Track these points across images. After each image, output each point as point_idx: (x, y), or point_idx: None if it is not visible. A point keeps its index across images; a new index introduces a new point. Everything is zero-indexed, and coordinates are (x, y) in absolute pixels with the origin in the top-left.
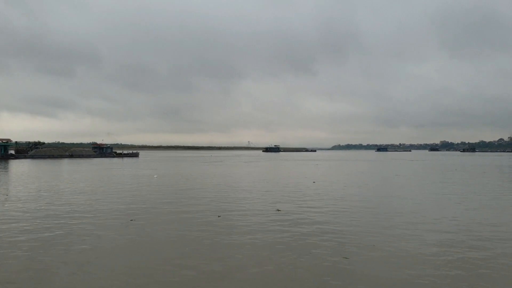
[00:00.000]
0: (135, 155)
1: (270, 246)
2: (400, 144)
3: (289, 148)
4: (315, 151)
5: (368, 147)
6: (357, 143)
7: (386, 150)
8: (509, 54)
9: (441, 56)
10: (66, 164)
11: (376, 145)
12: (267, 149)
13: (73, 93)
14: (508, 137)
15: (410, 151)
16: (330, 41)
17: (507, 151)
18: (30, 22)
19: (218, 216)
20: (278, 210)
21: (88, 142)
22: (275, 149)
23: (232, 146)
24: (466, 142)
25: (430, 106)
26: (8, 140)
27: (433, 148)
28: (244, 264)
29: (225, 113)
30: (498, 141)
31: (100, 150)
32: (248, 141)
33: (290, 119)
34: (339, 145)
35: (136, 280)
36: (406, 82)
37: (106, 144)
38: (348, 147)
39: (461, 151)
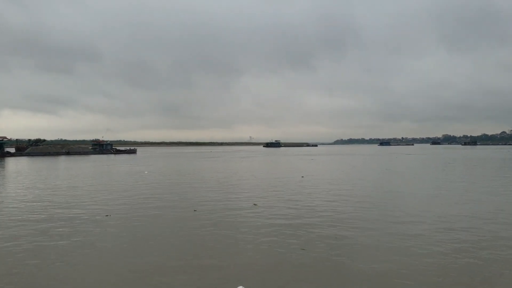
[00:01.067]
0: (133, 151)
1: (235, 238)
2: (402, 138)
3: (290, 143)
4: (316, 146)
5: (371, 141)
6: (360, 137)
7: (389, 144)
8: (508, 47)
9: (439, 50)
10: (61, 162)
11: (378, 139)
12: (268, 144)
13: (74, 90)
14: (510, 130)
15: (413, 145)
16: (329, 37)
17: (509, 144)
18: (29, 20)
19: (194, 210)
20: (255, 204)
21: (90, 139)
22: (276, 144)
23: (234, 141)
24: (468, 135)
25: (431, 100)
26: (4, 138)
27: (435, 141)
28: (198, 257)
29: (226, 109)
30: (500, 134)
31: (100, 147)
32: (250, 137)
33: (291, 115)
34: (342, 139)
35: (101, 280)
36: (406, 77)
37: (106, 141)
38: (351, 141)
39: (462, 145)
